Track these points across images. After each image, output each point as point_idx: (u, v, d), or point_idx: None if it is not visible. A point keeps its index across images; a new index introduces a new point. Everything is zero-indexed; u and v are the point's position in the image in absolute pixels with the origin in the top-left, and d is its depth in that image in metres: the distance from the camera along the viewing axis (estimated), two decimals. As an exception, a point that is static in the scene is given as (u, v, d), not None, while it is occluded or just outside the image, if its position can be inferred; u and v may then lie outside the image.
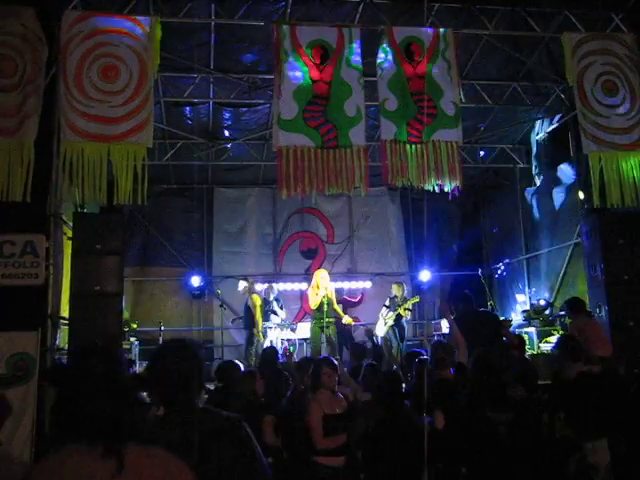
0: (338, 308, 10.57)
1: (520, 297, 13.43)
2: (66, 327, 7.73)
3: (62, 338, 7.90)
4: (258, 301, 11.02)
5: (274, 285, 12.28)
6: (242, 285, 11.58)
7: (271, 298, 11.68)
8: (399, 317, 10.82)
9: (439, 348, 5.42)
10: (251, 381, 5.56)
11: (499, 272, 13.70)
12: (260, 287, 12.79)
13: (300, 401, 5.28)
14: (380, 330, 10.90)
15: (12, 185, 7.15)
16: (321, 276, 10.37)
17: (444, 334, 12.20)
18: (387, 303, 11.16)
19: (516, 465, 3.88)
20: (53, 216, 7.63)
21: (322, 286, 10.14)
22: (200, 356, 2.70)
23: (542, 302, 12.00)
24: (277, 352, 8.40)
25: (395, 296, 11.09)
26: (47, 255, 7.36)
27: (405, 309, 10.88)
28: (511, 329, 11.39)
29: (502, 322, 7.69)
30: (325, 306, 9.96)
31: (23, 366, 6.83)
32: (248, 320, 11.08)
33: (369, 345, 9.79)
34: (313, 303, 10.19)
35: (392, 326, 10.78)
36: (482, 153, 13.54)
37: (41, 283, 7.29)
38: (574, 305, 7.89)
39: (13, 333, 6.94)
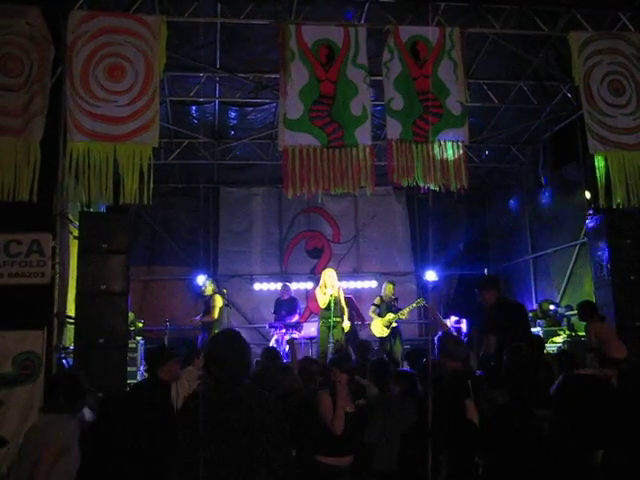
0: (345, 308, 10.52)
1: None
2: (72, 326, 7.76)
3: (68, 337, 7.93)
4: (220, 303, 11.08)
5: (288, 284, 12.29)
6: (209, 285, 11.59)
7: (285, 297, 11.67)
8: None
9: (448, 340, 5.35)
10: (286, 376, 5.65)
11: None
12: (267, 286, 12.84)
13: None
14: (380, 331, 10.81)
15: (19, 184, 7.16)
16: (328, 275, 10.36)
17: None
18: (377, 302, 11.08)
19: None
20: (59, 215, 7.65)
21: (329, 285, 10.13)
22: (245, 343, 3.34)
23: (552, 306, 11.96)
24: (278, 352, 8.41)
25: (390, 296, 11.02)
26: (53, 254, 7.37)
27: (409, 311, 10.87)
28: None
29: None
30: (332, 305, 9.95)
31: (29, 365, 6.85)
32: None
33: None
34: (322, 302, 10.17)
35: (394, 327, 10.74)
36: (486, 152, 13.48)
37: (47, 282, 7.31)
38: (587, 309, 7.87)
39: (19, 332, 6.97)
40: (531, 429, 3.98)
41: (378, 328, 10.84)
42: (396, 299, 11.08)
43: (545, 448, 3.86)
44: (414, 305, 11.18)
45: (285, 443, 3.11)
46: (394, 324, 10.75)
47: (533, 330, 11.08)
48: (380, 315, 10.88)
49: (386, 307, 10.91)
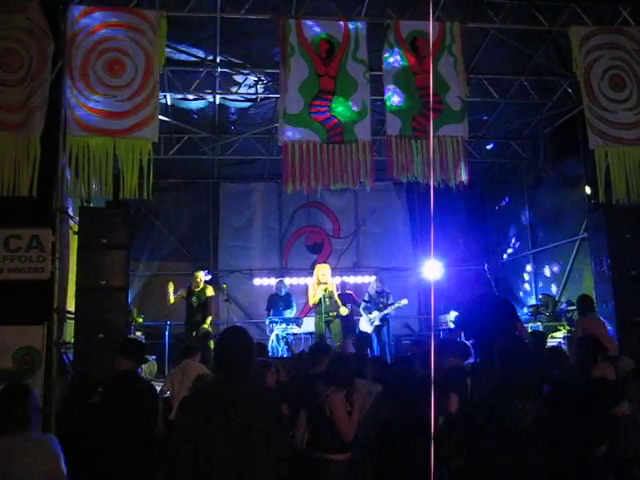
0: (339, 300, 10.46)
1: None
2: (72, 321, 7.76)
3: (68, 332, 7.94)
4: (212, 292, 10.55)
5: (285, 280, 12.17)
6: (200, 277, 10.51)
7: (282, 293, 11.53)
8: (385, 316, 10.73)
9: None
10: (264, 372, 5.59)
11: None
12: (267, 281, 12.78)
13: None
14: (365, 327, 10.73)
15: (18, 179, 7.15)
16: (321, 270, 10.33)
17: (449, 329, 12.19)
18: (366, 298, 11.02)
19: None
20: (59, 210, 7.64)
21: (322, 281, 10.10)
22: (251, 339, 3.40)
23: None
24: (265, 346, 8.35)
25: (377, 291, 10.95)
26: (53, 249, 7.36)
27: (394, 309, 10.78)
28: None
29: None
30: (327, 300, 9.93)
31: (29, 360, 6.86)
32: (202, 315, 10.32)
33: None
34: (311, 300, 10.15)
35: (378, 325, 10.66)
36: (490, 146, 13.44)
37: (47, 277, 7.30)
38: (582, 303, 7.85)
39: (19, 327, 6.97)
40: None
41: (364, 325, 10.79)
42: (387, 294, 11.02)
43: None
44: (397, 305, 10.96)
45: (285, 440, 3.17)
46: (377, 322, 10.63)
47: (534, 325, 11.16)
48: (368, 312, 10.85)
49: (374, 304, 10.84)
